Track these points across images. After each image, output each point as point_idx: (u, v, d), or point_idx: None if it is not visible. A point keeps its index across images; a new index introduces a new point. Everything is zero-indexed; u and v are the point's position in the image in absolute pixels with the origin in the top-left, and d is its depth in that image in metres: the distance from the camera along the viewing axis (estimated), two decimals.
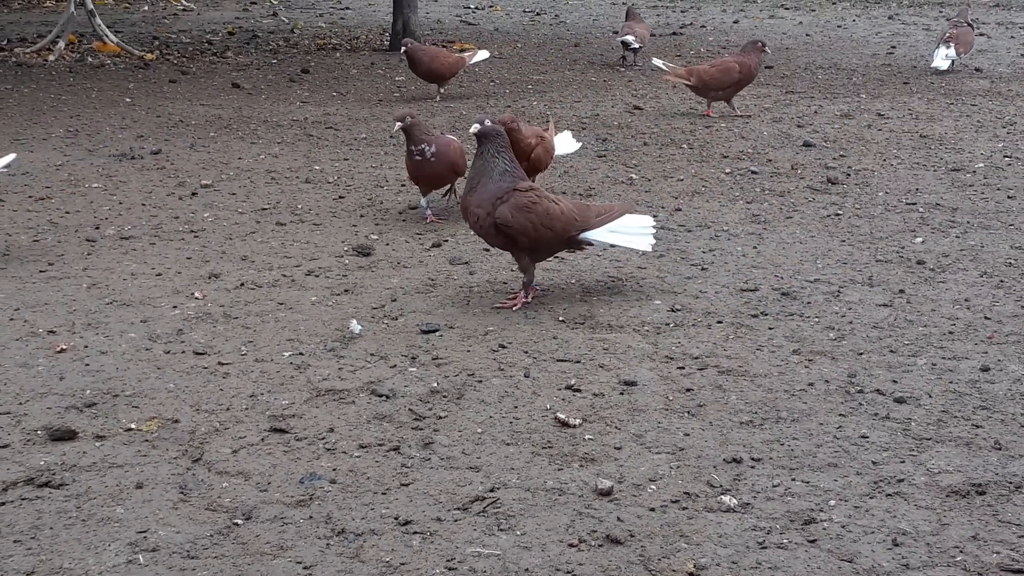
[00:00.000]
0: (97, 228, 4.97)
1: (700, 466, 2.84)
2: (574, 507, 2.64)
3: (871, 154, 6.58)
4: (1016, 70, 10.04)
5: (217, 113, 7.80)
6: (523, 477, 2.78)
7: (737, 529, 2.54)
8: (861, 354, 3.57)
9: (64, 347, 3.58)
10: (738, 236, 4.89)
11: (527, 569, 2.39)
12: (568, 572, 2.38)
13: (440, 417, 3.11)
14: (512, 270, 4.31)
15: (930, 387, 3.31)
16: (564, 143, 5.54)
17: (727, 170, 6.15)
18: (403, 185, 5.71)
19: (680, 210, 5.32)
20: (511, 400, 3.22)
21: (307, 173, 6.05)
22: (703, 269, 4.42)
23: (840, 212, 5.29)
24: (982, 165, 6.26)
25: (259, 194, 5.61)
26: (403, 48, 8.06)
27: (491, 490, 2.71)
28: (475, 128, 3.94)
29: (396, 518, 2.58)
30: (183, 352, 3.57)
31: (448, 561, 2.42)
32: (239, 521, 2.57)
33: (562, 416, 3.08)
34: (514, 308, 3.97)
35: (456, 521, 2.58)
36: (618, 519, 2.58)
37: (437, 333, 3.74)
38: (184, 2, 15.85)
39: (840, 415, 3.13)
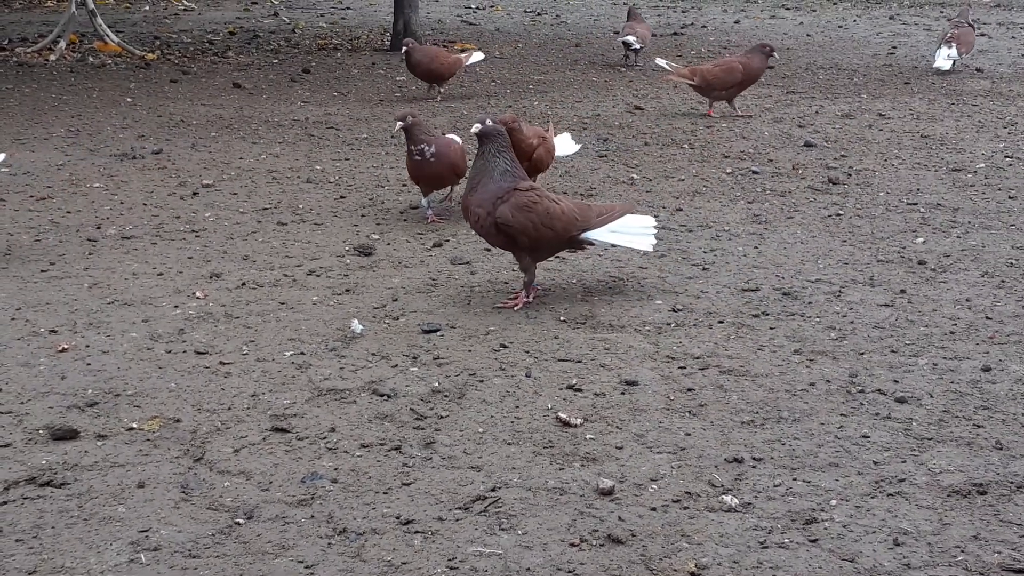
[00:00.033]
0: (98, 228, 4.97)
1: (701, 466, 2.84)
2: (575, 507, 2.64)
3: (872, 154, 6.58)
4: (1017, 70, 10.04)
5: (218, 113, 7.80)
6: (524, 477, 2.78)
7: (738, 529, 2.55)
8: (862, 354, 3.57)
9: (66, 346, 3.58)
10: (739, 236, 4.90)
11: (528, 568, 2.39)
12: (569, 572, 2.39)
13: (441, 417, 3.11)
14: (513, 270, 4.31)
15: (931, 387, 3.31)
16: (564, 145, 5.54)
17: (728, 170, 6.16)
18: (404, 185, 5.71)
19: (681, 210, 5.32)
20: (512, 400, 3.22)
21: (308, 173, 6.06)
22: (704, 269, 4.42)
23: (841, 212, 5.29)
24: (983, 165, 6.26)
25: (260, 194, 5.61)
26: (404, 48, 8.06)
27: (492, 489, 2.71)
28: (476, 128, 3.94)
29: (397, 517, 2.59)
30: (184, 352, 3.57)
31: (449, 560, 2.42)
32: (241, 520, 2.58)
33: (563, 416, 3.08)
34: (515, 308, 3.97)
35: (457, 520, 2.58)
36: (619, 519, 2.58)
37: (438, 333, 3.74)
38: (185, 2, 15.86)
39: (841, 415, 3.13)
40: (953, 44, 9.57)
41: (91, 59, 10.26)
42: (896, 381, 3.35)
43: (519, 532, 2.53)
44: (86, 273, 4.35)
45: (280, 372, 3.42)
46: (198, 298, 4.08)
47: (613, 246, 4.21)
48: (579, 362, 3.49)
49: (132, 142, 6.70)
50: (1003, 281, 4.28)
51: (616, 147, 6.75)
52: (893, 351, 3.59)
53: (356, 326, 3.76)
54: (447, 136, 5.30)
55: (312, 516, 2.60)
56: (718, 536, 2.51)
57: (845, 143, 6.89)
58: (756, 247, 4.73)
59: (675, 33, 12.83)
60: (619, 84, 9.25)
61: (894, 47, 11.60)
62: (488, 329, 3.77)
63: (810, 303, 4.04)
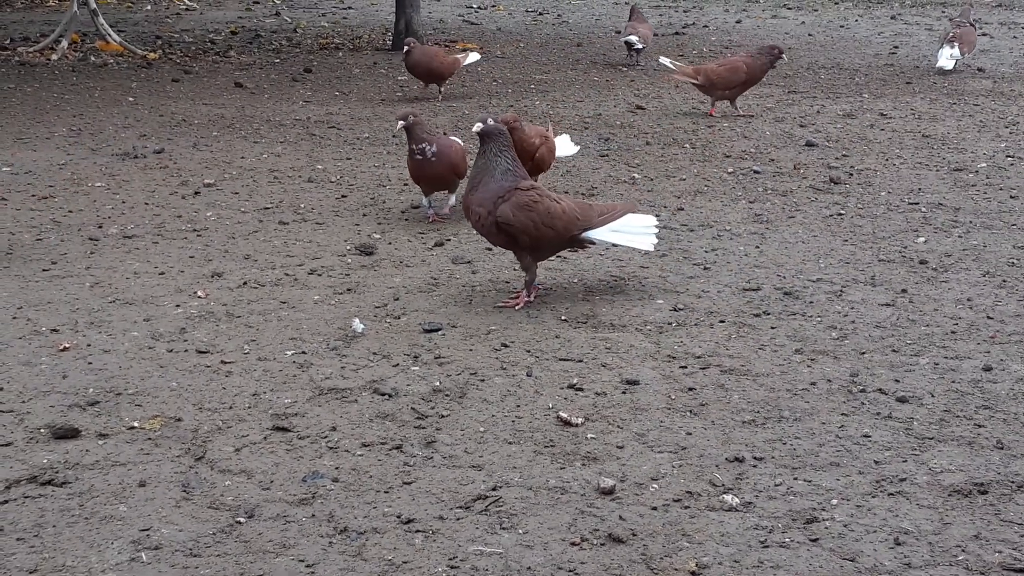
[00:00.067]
0: (100, 227, 4.97)
1: (702, 465, 2.84)
2: (576, 506, 2.64)
3: (874, 154, 6.58)
4: (1019, 70, 10.03)
5: (220, 112, 7.81)
6: (525, 476, 2.78)
7: (739, 528, 2.55)
8: (863, 353, 3.57)
9: (67, 345, 3.58)
10: (740, 236, 4.90)
11: (529, 567, 2.39)
12: (570, 571, 2.39)
13: (442, 416, 3.11)
14: (514, 269, 4.31)
15: (932, 386, 3.31)
16: (563, 146, 5.53)
17: (730, 170, 6.16)
18: (405, 184, 5.71)
19: (683, 209, 5.32)
20: (513, 399, 3.22)
21: (310, 172, 6.06)
22: (705, 269, 4.42)
23: (843, 212, 5.29)
24: (985, 165, 6.26)
25: (262, 193, 5.61)
26: (406, 48, 8.04)
27: (493, 489, 2.72)
28: (477, 127, 3.94)
29: (398, 516, 2.59)
30: (186, 351, 3.57)
31: (450, 560, 2.42)
32: (242, 519, 2.58)
33: (564, 415, 3.08)
34: (516, 307, 3.97)
35: (458, 520, 2.58)
36: (620, 518, 2.58)
37: (439, 332, 3.74)
38: (187, 1, 15.86)
39: (842, 414, 3.13)
40: (955, 44, 9.56)
41: (93, 58, 10.26)
42: (897, 381, 3.35)
43: (520, 531, 2.53)
44: (88, 272, 4.35)
45: (281, 371, 3.42)
46: (199, 297, 4.08)
47: (614, 245, 4.21)
48: (580, 361, 3.50)
49: (134, 141, 6.71)
50: (1004, 281, 4.28)
51: (618, 146, 6.75)
52: (894, 350, 3.59)
53: (357, 325, 3.76)
54: (449, 137, 5.30)
55: (313, 515, 2.60)
56: (719, 535, 2.51)
57: (847, 143, 6.89)
58: (757, 247, 4.73)
59: (677, 33, 12.83)
60: (621, 84, 9.24)
61: (896, 47, 11.60)
62: (489, 328, 3.77)
63: (811, 303, 4.04)
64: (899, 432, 3.02)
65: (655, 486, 2.74)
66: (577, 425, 3.05)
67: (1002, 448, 2.92)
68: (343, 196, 5.58)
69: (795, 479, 2.77)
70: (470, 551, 2.45)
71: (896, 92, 8.80)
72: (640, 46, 10.03)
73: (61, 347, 3.57)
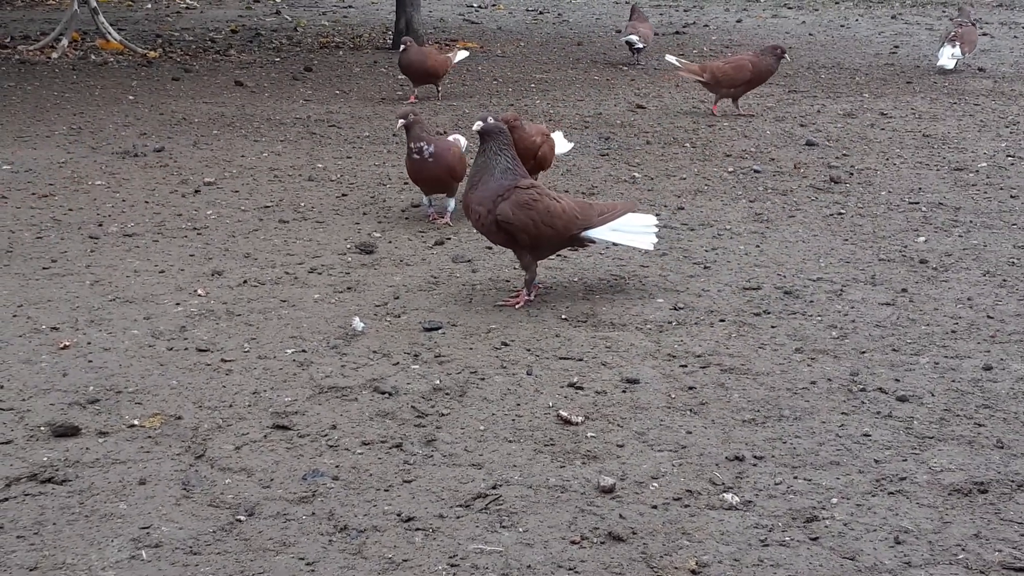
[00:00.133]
0: (100, 225, 4.97)
1: (702, 464, 2.84)
2: (576, 504, 2.64)
3: (874, 153, 6.58)
4: (1019, 70, 10.03)
5: (220, 111, 7.81)
6: (525, 474, 2.78)
7: (739, 527, 2.55)
8: (863, 353, 3.57)
9: (67, 344, 3.58)
10: (741, 235, 4.90)
11: (529, 566, 2.39)
12: (570, 569, 2.39)
13: (442, 414, 3.11)
14: (515, 268, 4.31)
15: (932, 386, 3.31)
16: (557, 143, 5.53)
17: (730, 169, 6.16)
18: (406, 183, 5.71)
19: (683, 209, 5.32)
20: (513, 398, 3.22)
21: (310, 171, 6.06)
22: (706, 268, 4.42)
23: (843, 211, 5.29)
24: (985, 164, 6.26)
25: (262, 192, 5.61)
26: (402, 46, 7.98)
27: (493, 487, 2.72)
28: (478, 125, 3.94)
29: (399, 515, 2.59)
30: (186, 349, 3.57)
31: (450, 558, 2.42)
32: (242, 517, 2.58)
33: (564, 414, 3.08)
34: (517, 306, 3.97)
35: (458, 518, 2.58)
36: (620, 516, 2.58)
37: (440, 331, 3.74)
38: (187, 0, 15.86)
39: (842, 413, 3.13)
40: (957, 43, 9.56)
41: (93, 57, 10.26)
42: (897, 380, 3.35)
43: (520, 530, 2.53)
44: (88, 270, 4.35)
45: (281, 369, 3.42)
46: (199, 296, 4.08)
47: (614, 244, 4.21)
48: (580, 360, 3.50)
49: (134, 140, 6.70)
50: (1005, 280, 4.28)
51: (618, 146, 6.75)
52: (894, 350, 3.59)
53: (357, 324, 3.76)
54: (451, 136, 5.30)
55: (313, 513, 2.60)
56: (719, 534, 2.52)
57: (847, 142, 6.89)
58: (758, 246, 4.73)
59: (677, 32, 12.83)
60: (621, 83, 9.24)
61: (896, 46, 11.60)
62: (489, 327, 3.77)
63: (811, 302, 4.04)
64: (899, 431, 3.02)
65: (655, 485, 2.74)
66: (577, 424, 3.05)
67: (1002, 447, 2.92)
68: (343, 195, 5.58)
69: (795, 478, 2.77)
70: (470, 549, 2.45)
71: (896, 92, 8.80)
72: (641, 45, 10.03)
73: (61, 345, 3.57)
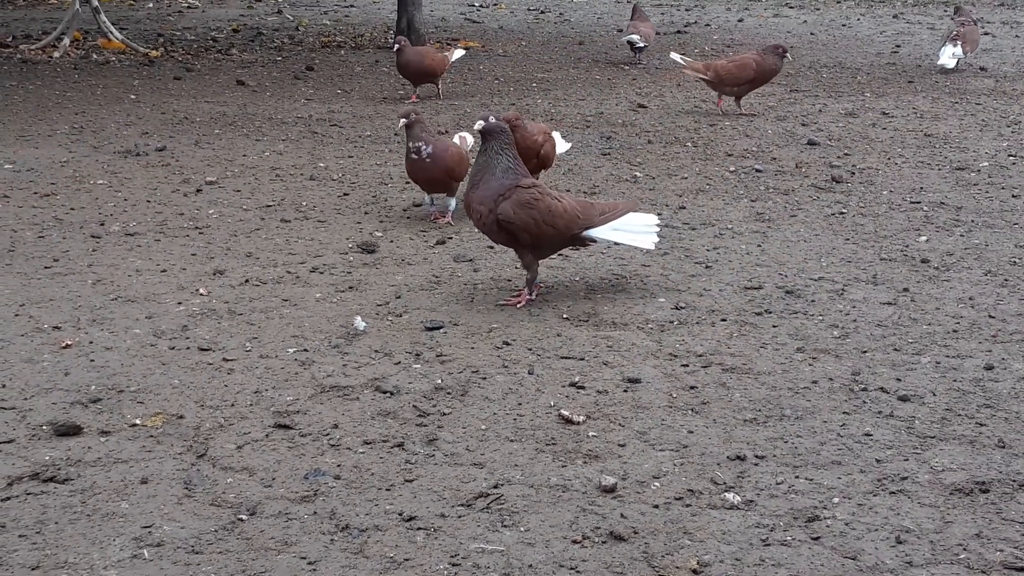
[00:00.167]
0: (102, 224, 4.98)
1: (704, 463, 2.84)
2: (578, 504, 2.64)
3: (875, 153, 6.58)
4: (1021, 69, 10.03)
5: (222, 110, 7.81)
6: (527, 474, 2.78)
7: (740, 526, 2.55)
8: (865, 352, 3.57)
9: (69, 343, 3.58)
10: (742, 234, 4.90)
11: (530, 565, 2.39)
12: (571, 568, 2.39)
13: (444, 414, 3.11)
14: (516, 268, 4.31)
15: (934, 385, 3.31)
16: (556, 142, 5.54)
17: (731, 168, 6.15)
18: (407, 183, 5.70)
19: (684, 208, 5.32)
20: (515, 397, 3.22)
21: (312, 170, 6.06)
22: (707, 267, 4.42)
23: (844, 210, 5.29)
24: (986, 164, 6.26)
25: (264, 191, 5.61)
26: (396, 47, 7.95)
27: (495, 486, 2.72)
28: (479, 125, 3.94)
29: (400, 514, 2.59)
30: (188, 348, 3.58)
31: (452, 557, 2.42)
32: (244, 516, 2.58)
33: (566, 413, 3.08)
34: (518, 305, 3.97)
35: (460, 517, 2.58)
36: (622, 516, 2.59)
37: (441, 330, 3.74)
38: None
39: (844, 413, 3.13)
40: (958, 42, 9.55)
41: (95, 56, 10.27)
42: (899, 379, 3.35)
43: (521, 529, 2.53)
44: (90, 270, 4.36)
45: (283, 369, 3.42)
46: (201, 295, 4.08)
47: (616, 244, 4.21)
48: (582, 359, 3.50)
49: (136, 139, 6.71)
50: (1006, 280, 4.28)
51: (619, 145, 6.75)
52: (896, 349, 3.59)
53: (359, 323, 3.76)
54: (457, 135, 5.29)
55: (315, 512, 2.61)
56: (720, 533, 2.52)
57: (848, 141, 6.89)
58: (759, 245, 4.73)
59: (679, 31, 12.82)
60: (622, 82, 9.24)
61: (898, 46, 11.59)
62: (491, 326, 3.78)
63: (813, 301, 4.04)
64: (900, 431, 3.02)
65: (656, 484, 2.74)
66: (579, 423, 3.05)
67: (1003, 447, 2.92)
68: (345, 194, 5.58)
69: (796, 477, 2.77)
70: (472, 549, 2.45)
71: (898, 91, 8.80)
72: (642, 45, 10.03)
73: (63, 344, 3.57)
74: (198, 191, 5.58)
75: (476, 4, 16.08)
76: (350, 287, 4.19)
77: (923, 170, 6.14)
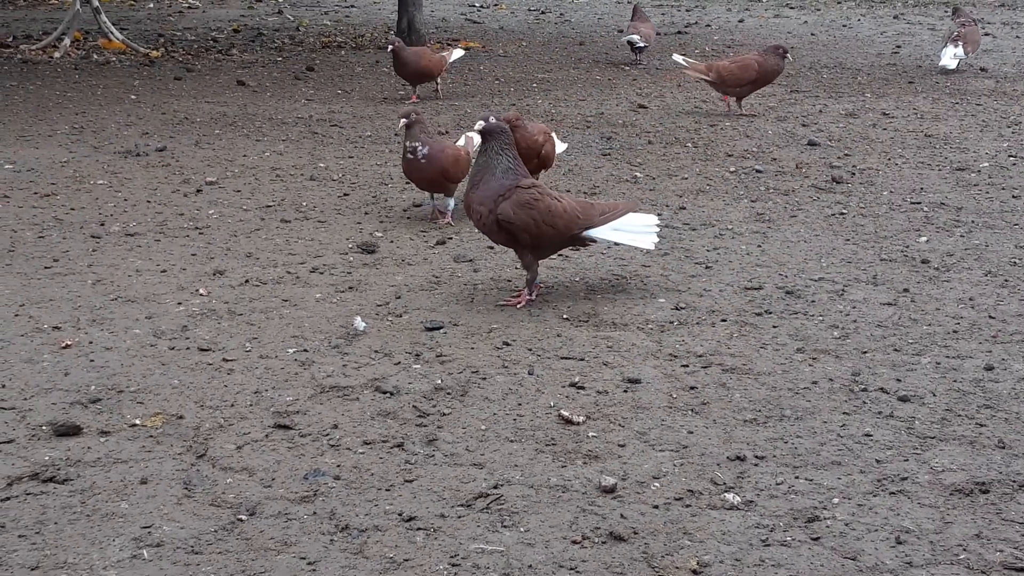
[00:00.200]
0: (102, 225, 4.98)
1: (704, 464, 2.84)
2: (578, 504, 2.64)
3: (876, 153, 6.58)
4: (1021, 70, 10.03)
5: (222, 110, 7.81)
6: (527, 474, 2.78)
7: (740, 527, 2.55)
8: (865, 352, 3.57)
9: (69, 343, 3.58)
10: (742, 235, 4.89)
11: (530, 565, 2.39)
12: (571, 569, 2.39)
13: (444, 414, 3.11)
14: (516, 268, 4.31)
15: (934, 386, 3.31)
16: None
17: (732, 169, 6.15)
18: (407, 183, 5.71)
19: (684, 208, 5.32)
20: (515, 397, 3.22)
21: (312, 170, 6.06)
22: (707, 267, 4.42)
23: (845, 211, 5.29)
24: (987, 164, 6.26)
25: (264, 191, 5.61)
26: (391, 48, 7.94)
27: (495, 487, 2.72)
28: (479, 125, 3.94)
29: (400, 514, 2.59)
30: (188, 348, 3.58)
31: (452, 557, 2.42)
32: (243, 517, 2.58)
33: (566, 413, 3.08)
34: (518, 306, 3.97)
35: (460, 518, 2.58)
36: (621, 516, 2.58)
37: (441, 330, 3.74)
38: None
39: (844, 413, 3.13)
40: (960, 43, 9.55)
41: (95, 56, 10.27)
42: (899, 380, 3.35)
43: (521, 529, 2.53)
44: (90, 270, 4.36)
45: (283, 369, 3.42)
46: (201, 295, 4.08)
47: (616, 244, 4.21)
48: (582, 360, 3.50)
49: (136, 139, 6.71)
50: (1006, 280, 4.28)
51: (620, 145, 6.75)
52: (896, 350, 3.59)
53: (359, 323, 3.76)
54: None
55: (314, 513, 2.61)
56: (720, 534, 2.52)
57: (849, 142, 6.89)
58: (759, 246, 4.73)
59: (679, 32, 12.82)
60: (623, 83, 9.24)
61: (898, 46, 11.59)
62: (491, 327, 3.78)
63: (813, 302, 4.04)
64: (901, 431, 3.02)
65: (656, 484, 2.74)
66: (578, 423, 3.05)
67: (1003, 447, 2.92)
68: (345, 194, 5.58)
69: (796, 478, 2.77)
70: (471, 549, 2.45)
71: (898, 92, 8.80)
72: (642, 45, 10.03)
73: (63, 344, 3.57)
74: (198, 191, 5.58)
75: (476, 4, 16.08)
76: (350, 287, 4.19)
77: (923, 171, 6.14)
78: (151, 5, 15.58)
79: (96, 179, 5.79)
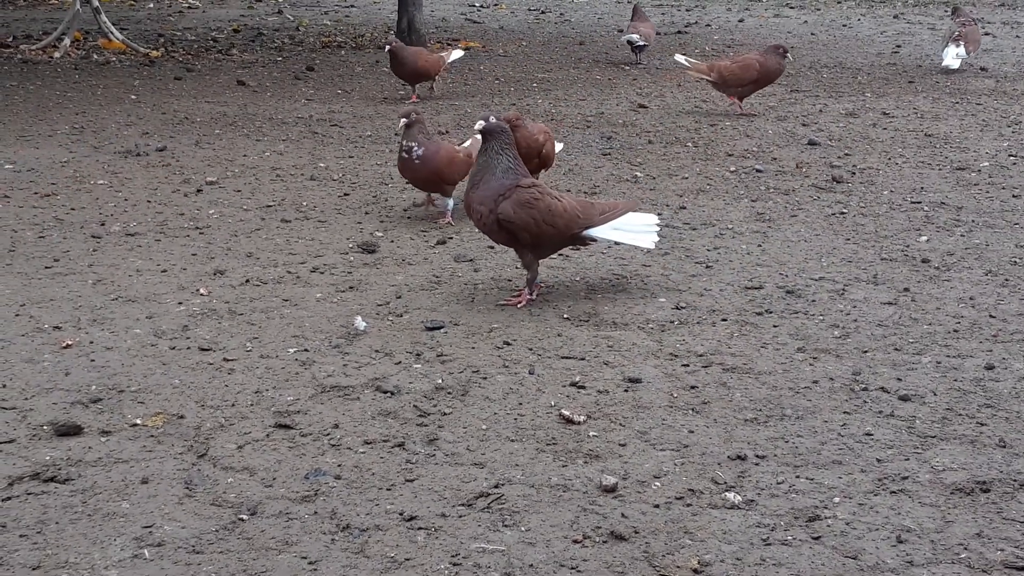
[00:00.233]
0: (102, 224, 4.98)
1: (704, 463, 2.84)
2: (578, 503, 2.64)
3: (876, 153, 6.58)
4: (1021, 69, 10.03)
5: (222, 110, 7.81)
6: (528, 473, 2.78)
7: (741, 526, 2.55)
8: (866, 352, 3.57)
9: (70, 343, 3.58)
10: (743, 234, 4.90)
11: (531, 565, 2.39)
12: (572, 568, 2.39)
13: (445, 414, 3.11)
14: (516, 267, 4.31)
15: (935, 385, 3.31)
16: None
17: (732, 168, 6.15)
18: (407, 183, 5.71)
19: (685, 208, 5.32)
20: (516, 397, 3.22)
21: (312, 170, 6.06)
22: (708, 267, 4.42)
23: (845, 210, 5.29)
24: (987, 164, 6.26)
25: (264, 191, 5.61)
26: (388, 48, 7.94)
27: (496, 486, 2.72)
28: (480, 125, 3.94)
29: (401, 514, 2.59)
30: (188, 348, 3.58)
31: (453, 557, 2.42)
32: (244, 516, 2.58)
33: (566, 413, 3.08)
34: (519, 305, 3.97)
35: (461, 517, 2.58)
36: (622, 515, 2.59)
37: (442, 330, 3.74)
38: None
39: (844, 413, 3.13)
40: (961, 43, 9.55)
41: (95, 56, 10.27)
42: (899, 379, 3.35)
43: (522, 529, 2.53)
44: (90, 270, 4.36)
45: (284, 369, 3.42)
46: (202, 295, 4.08)
47: (616, 243, 4.22)
48: (582, 359, 3.50)
49: (136, 139, 6.71)
50: (1007, 279, 4.28)
51: (620, 145, 6.75)
52: (896, 349, 3.59)
53: (360, 323, 3.76)
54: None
55: (315, 512, 2.61)
56: (721, 533, 2.52)
57: (849, 141, 6.89)
58: (760, 245, 4.73)
59: (679, 32, 12.82)
60: (623, 82, 9.24)
61: (898, 46, 11.59)
62: (491, 326, 3.78)
63: (813, 301, 4.04)
64: (901, 430, 3.02)
65: (657, 484, 2.74)
66: (579, 423, 3.05)
67: (1004, 446, 2.92)
68: (345, 194, 5.58)
69: (797, 477, 2.77)
70: (472, 548, 2.45)
71: (898, 91, 8.80)
72: (642, 43, 10.03)
73: (64, 344, 3.57)
74: (198, 191, 5.58)
75: (476, 4, 16.08)
76: (350, 287, 4.19)
77: (924, 170, 6.14)
78: (151, 5, 15.59)
79: (96, 179, 5.79)
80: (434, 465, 2.83)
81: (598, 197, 5.43)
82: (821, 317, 3.87)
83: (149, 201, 5.39)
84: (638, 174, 6.00)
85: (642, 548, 2.46)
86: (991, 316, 3.89)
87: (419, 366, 3.44)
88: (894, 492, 2.69)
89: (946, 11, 15.15)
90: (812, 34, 12.76)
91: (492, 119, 3.95)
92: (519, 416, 3.10)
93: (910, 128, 7.30)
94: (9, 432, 2.97)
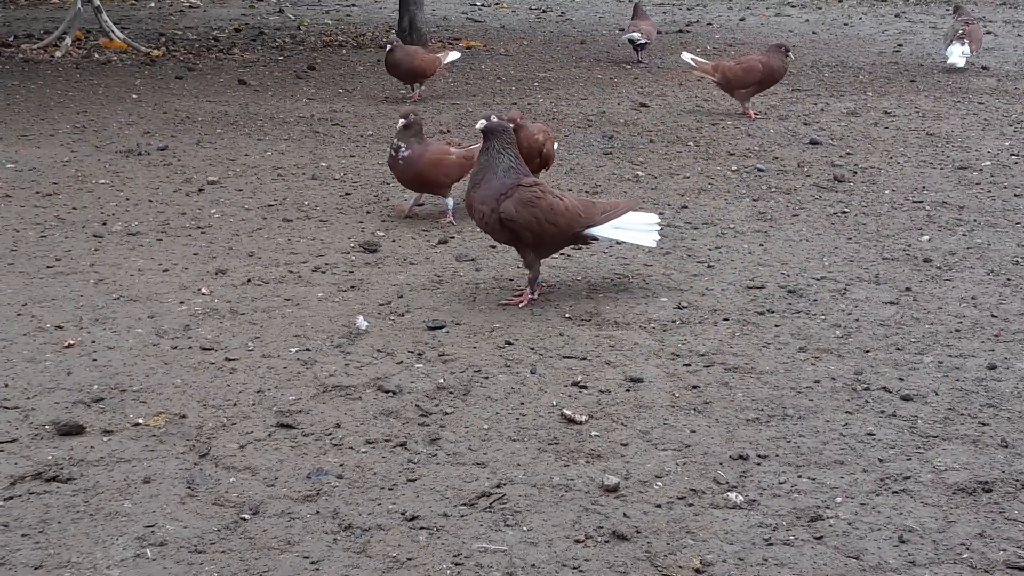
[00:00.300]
0: (104, 224, 4.98)
1: (706, 463, 2.84)
2: (580, 503, 2.64)
3: (878, 152, 6.57)
4: (1023, 68, 10.02)
5: (224, 110, 7.81)
6: (529, 473, 2.78)
7: (743, 526, 2.55)
8: (867, 352, 3.56)
9: (71, 342, 3.59)
10: (744, 234, 4.89)
11: (533, 564, 2.39)
12: (574, 568, 2.39)
13: (446, 413, 3.12)
14: (518, 267, 4.31)
15: (937, 385, 3.31)
16: None
17: (733, 168, 6.15)
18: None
19: (686, 207, 5.32)
20: (517, 396, 3.22)
21: (313, 170, 6.06)
22: (709, 267, 4.42)
23: (847, 210, 5.29)
24: (989, 163, 6.25)
25: (265, 190, 5.62)
26: (388, 47, 7.93)
27: (497, 486, 2.72)
28: (481, 124, 3.95)
29: (403, 513, 2.59)
30: (190, 348, 3.58)
31: (455, 556, 2.42)
32: (246, 516, 2.58)
33: (568, 413, 3.08)
34: (520, 305, 3.97)
35: (463, 517, 2.58)
36: (624, 515, 2.59)
37: (443, 330, 3.74)
38: None
39: (846, 412, 3.13)
40: (966, 41, 9.55)
41: (97, 56, 10.27)
42: (901, 379, 3.35)
43: (524, 528, 2.53)
44: (92, 269, 4.36)
45: (285, 368, 3.42)
46: (204, 294, 4.08)
47: (617, 242, 4.22)
48: (584, 359, 3.50)
49: (138, 138, 6.71)
50: (1009, 279, 4.28)
51: (621, 144, 6.75)
52: (898, 349, 3.59)
53: (361, 323, 3.76)
54: (435, 145, 5.20)
55: (317, 512, 2.61)
56: (723, 533, 2.52)
57: (851, 141, 6.88)
58: (761, 245, 4.73)
59: (680, 30, 12.82)
60: (625, 81, 9.24)
61: (900, 45, 11.59)
62: (493, 326, 3.78)
63: (815, 301, 4.04)
64: (903, 430, 3.02)
65: (659, 484, 2.74)
66: (581, 423, 3.05)
67: (1006, 446, 2.92)
68: (347, 193, 5.58)
69: (799, 477, 2.77)
70: (474, 548, 2.45)
71: (900, 90, 8.79)
72: (643, 41, 10.02)
73: (65, 344, 3.58)
74: (200, 191, 5.58)
75: (478, 3, 16.07)
76: (352, 286, 4.19)
77: (925, 169, 6.13)
78: (152, 4, 15.59)
79: (98, 178, 5.79)
80: (436, 465, 2.83)
81: (599, 196, 5.43)
82: (823, 317, 3.87)
83: (151, 200, 5.39)
84: (639, 173, 6.00)
85: (644, 548, 2.46)
86: (993, 316, 3.88)
87: (421, 366, 3.44)
88: (896, 492, 2.69)
89: (948, 10, 15.13)
90: (813, 33, 12.76)
91: (493, 118, 3.95)
92: (521, 416, 3.10)
93: (912, 127, 7.30)
94: (11, 431, 2.98)
